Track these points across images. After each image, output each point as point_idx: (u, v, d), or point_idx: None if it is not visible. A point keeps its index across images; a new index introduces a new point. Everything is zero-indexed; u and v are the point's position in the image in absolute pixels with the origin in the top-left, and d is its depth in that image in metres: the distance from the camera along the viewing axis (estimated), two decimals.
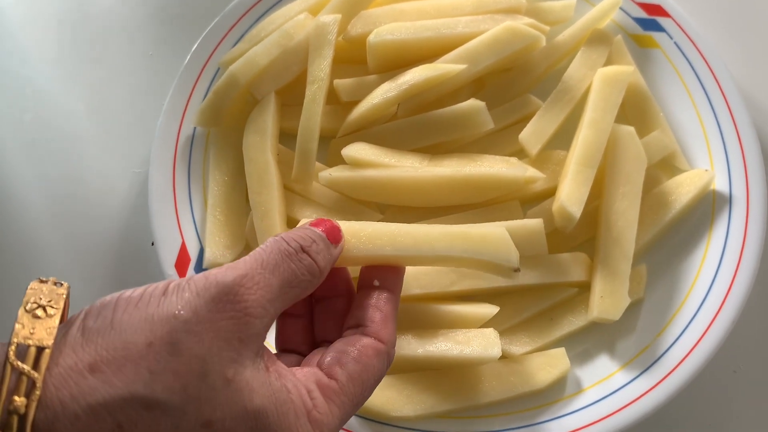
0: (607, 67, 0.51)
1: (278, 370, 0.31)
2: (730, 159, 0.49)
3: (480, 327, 0.44)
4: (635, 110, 0.52)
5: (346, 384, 0.31)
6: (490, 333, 0.43)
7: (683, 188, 0.48)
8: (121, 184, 0.56)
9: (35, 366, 0.26)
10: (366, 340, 0.33)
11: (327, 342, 0.36)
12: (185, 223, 0.50)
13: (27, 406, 0.25)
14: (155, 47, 0.61)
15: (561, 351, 0.45)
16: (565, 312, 0.46)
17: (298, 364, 0.34)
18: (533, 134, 0.50)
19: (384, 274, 0.36)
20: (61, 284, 0.29)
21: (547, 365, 0.44)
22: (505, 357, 0.45)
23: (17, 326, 0.27)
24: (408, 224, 0.39)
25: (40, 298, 0.28)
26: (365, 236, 0.37)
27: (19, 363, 0.26)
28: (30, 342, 0.27)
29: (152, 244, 0.49)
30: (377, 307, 0.34)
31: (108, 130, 0.58)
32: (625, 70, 0.50)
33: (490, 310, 0.44)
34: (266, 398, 0.29)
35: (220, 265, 0.47)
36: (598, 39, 0.53)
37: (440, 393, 0.43)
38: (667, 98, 0.52)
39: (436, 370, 0.44)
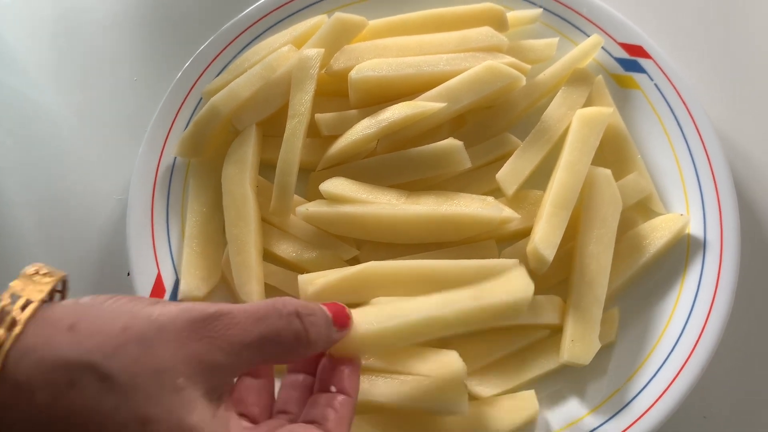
0: (586, 109, 0.51)
1: (229, 415, 0.32)
2: (705, 204, 0.49)
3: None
4: (613, 151, 0.52)
5: None
6: (459, 385, 0.43)
7: (658, 232, 0.49)
8: (102, 211, 0.56)
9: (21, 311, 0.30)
10: None
11: (284, 414, 0.36)
12: (162, 254, 0.50)
13: (4, 339, 0.29)
14: (140, 73, 0.62)
15: (531, 393, 0.45)
16: (537, 354, 0.46)
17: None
18: (510, 174, 0.50)
19: (340, 378, 0.36)
20: (61, 271, 0.33)
21: (516, 408, 0.44)
22: (474, 398, 0.45)
23: (15, 282, 0.31)
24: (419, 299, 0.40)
25: (41, 268, 0.32)
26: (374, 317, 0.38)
27: (9, 305, 0.30)
28: (22, 294, 0.31)
29: (128, 274, 0.49)
30: (333, 407, 0.35)
31: (91, 155, 0.59)
32: (604, 111, 0.51)
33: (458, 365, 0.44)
34: (204, 423, 0.30)
35: (194, 297, 0.48)
36: (579, 78, 0.54)
37: None
38: (646, 140, 0.53)
39: (401, 413, 0.44)
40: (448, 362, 0.44)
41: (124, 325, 0.30)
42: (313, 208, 0.49)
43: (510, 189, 0.50)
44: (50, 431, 0.28)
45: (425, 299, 0.40)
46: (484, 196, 0.49)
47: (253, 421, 0.35)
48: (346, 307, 0.37)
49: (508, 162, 0.50)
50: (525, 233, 0.49)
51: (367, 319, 0.38)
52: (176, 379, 0.29)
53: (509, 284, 0.41)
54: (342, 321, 0.36)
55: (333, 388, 0.36)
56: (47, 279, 0.32)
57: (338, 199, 0.49)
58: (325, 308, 0.36)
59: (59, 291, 0.33)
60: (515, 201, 0.50)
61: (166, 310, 0.31)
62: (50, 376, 0.28)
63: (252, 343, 0.32)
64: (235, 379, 0.36)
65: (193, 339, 0.30)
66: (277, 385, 0.38)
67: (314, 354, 0.36)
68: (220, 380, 0.31)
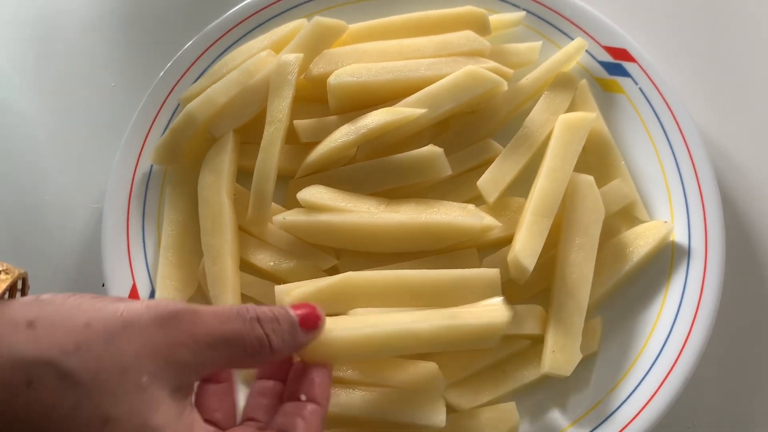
0: (569, 114, 0.50)
1: (193, 416, 0.31)
2: (690, 211, 0.48)
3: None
4: (596, 157, 0.51)
5: None
6: (437, 397, 0.42)
7: (642, 240, 0.48)
8: (78, 219, 0.55)
9: None
10: None
11: (252, 421, 0.35)
12: (137, 264, 0.49)
13: None
14: (118, 79, 0.61)
15: (511, 405, 0.44)
16: (518, 365, 0.46)
17: None
18: (491, 181, 0.49)
19: (311, 386, 0.35)
20: (21, 268, 0.33)
21: (497, 420, 0.44)
22: (453, 411, 0.44)
23: None
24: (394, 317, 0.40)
25: None
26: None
27: None
28: None
29: (103, 285, 0.48)
30: (302, 416, 0.34)
31: (68, 162, 0.58)
32: (587, 117, 0.50)
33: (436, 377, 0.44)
34: (169, 423, 0.30)
35: None
36: (562, 83, 0.53)
37: None
38: (630, 145, 0.52)
39: (379, 426, 0.43)
40: (426, 374, 0.44)
41: (87, 321, 0.29)
42: (291, 216, 0.48)
43: (491, 196, 0.49)
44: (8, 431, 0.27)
45: (402, 313, 0.41)
46: (464, 204, 0.48)
47: (218, 426, 0.35)
48: (318, 308, 0.36)
49: (489, 169, 0.50)
50: (506, 241, 0.48)
51: (339, 325, 0.38)
52: (141, 377, 0.29)
53: (486, 310, 0.41)
54: (310, 323, 0.35)
55: (303, 397, 0.35)
56: (3, 276, 0.31)
57: (316, 207, 0.48)
58: (291, 312, 0.35)
59: (20, 289, 0.33)
60: (497, 208, 0.49)
61: (131, 306, 0.30)
62: (7, 375, 0.27)
63: (217, 343, 0.31)
64: (196, 384, 0.35)
65: (159, 335, 0.30)
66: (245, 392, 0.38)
67: (280, 359, 0.35)
68: (186, 379, 0.31)
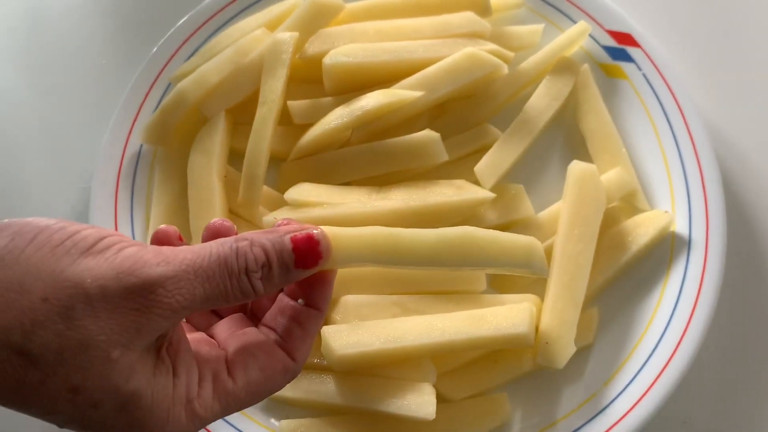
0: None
1: (177, 351, 0.30)
2: (691, 201, 0.47)
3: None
4: (598, 144, 0.50)
5: (241, 389, 0.31)
6: (427, 388, 0.41)
7: (641, 229, 0.46)
8: (65, 199, 0.54)
9: None
10: (279, 354, 0.32)
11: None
12: None
13: None
14: (108, 57, 0.59)
15: (503, 397, 0.44)
16: (510, 356, 0.45)
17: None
18: (489, 167, 0.48)
19: (311, 292, 0.33)
20: None
21: (488, 411, 0.43)
22: (444, 401, 0.43)
23: None
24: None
25: None
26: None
27: None
28: None
29: None
30: (300, 322, 0.33)
31: (55, 141, 0.57)
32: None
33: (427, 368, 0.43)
34: (144, 381, 0.28)
35: None
36: (564, 68, 0.51)
37: None
38: (632, 133, 0.50)
39: (369, 415, 0.42)
40: (417, 364, 0.43)
41: (44, 294, 0.27)
42: (280, 215, 0.47)
43: (488, 182, 0.48)
44: None
45: (415, 322, 0.42)
46: (453, 180, 0.47)
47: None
48: (322, 237, 0.32)
49: (487, 154, 0.48)
50: (503, 228, 0.47)
51: (350, 341, 0.40)
52: (111, 352, 0.27)
53: (510, 315, 0.42)
54: (308, 261, 0.31)
55: (301, 301, 0.33)
56: None
57: (305, 205, 0.47)
58: (287, 249, 0.31)
59: None
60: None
61: (98, 272, 0.27)
62: None
63: (196, 305, 0.29)
64: None
65: (129, 308, 0.28)
66: None
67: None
68: (161, 332, 0.29)
